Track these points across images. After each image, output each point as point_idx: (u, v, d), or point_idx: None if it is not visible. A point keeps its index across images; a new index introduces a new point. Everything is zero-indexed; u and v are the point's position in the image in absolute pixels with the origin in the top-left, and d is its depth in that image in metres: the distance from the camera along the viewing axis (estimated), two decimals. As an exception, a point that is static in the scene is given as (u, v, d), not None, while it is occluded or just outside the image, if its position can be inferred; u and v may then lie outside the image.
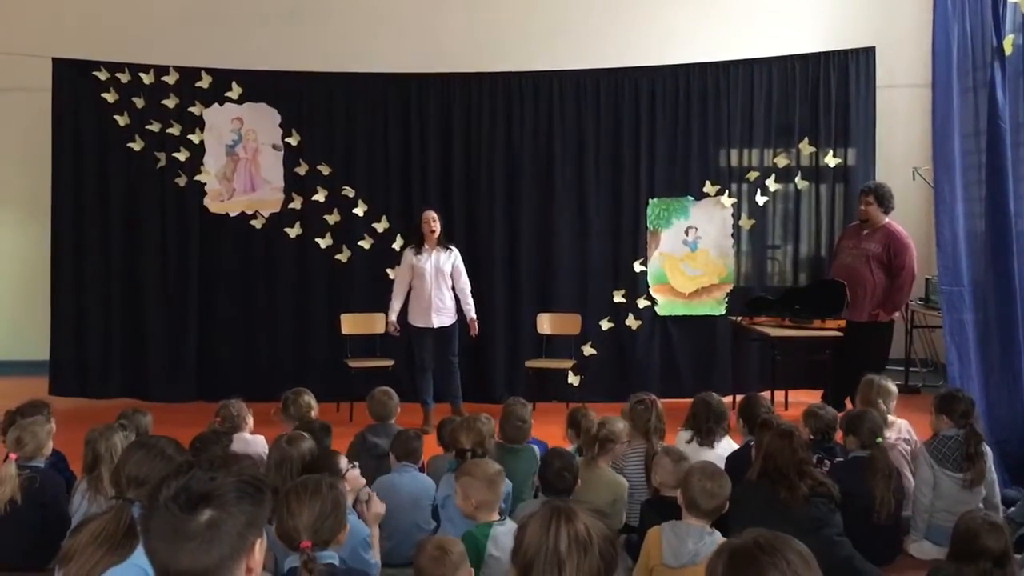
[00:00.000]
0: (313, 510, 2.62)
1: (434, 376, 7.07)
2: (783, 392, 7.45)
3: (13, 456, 3.93)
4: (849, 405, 6.16)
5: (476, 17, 8.79)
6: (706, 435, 4.57)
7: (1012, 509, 4.43)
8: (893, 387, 4.96)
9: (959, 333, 5.25)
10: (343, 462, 3.58)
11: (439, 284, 6.95)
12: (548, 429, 5.38)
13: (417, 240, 7.03)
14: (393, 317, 7.04)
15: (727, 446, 4.57)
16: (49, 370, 7.94)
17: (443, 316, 6.98)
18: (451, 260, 7.04)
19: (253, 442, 4.72)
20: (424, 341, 7.01)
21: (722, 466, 3.85)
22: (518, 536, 1.93)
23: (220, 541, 1.54)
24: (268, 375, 7.65)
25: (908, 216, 7.44)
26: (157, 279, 8.07)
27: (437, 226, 6.94)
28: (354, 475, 3.55)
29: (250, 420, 4.84)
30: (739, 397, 6.15)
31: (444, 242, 7.04)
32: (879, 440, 4.20)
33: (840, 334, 6.85)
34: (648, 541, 3.26)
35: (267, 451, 4.58)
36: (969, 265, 5.31)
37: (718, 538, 3.18)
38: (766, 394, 6.54)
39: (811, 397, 6.96)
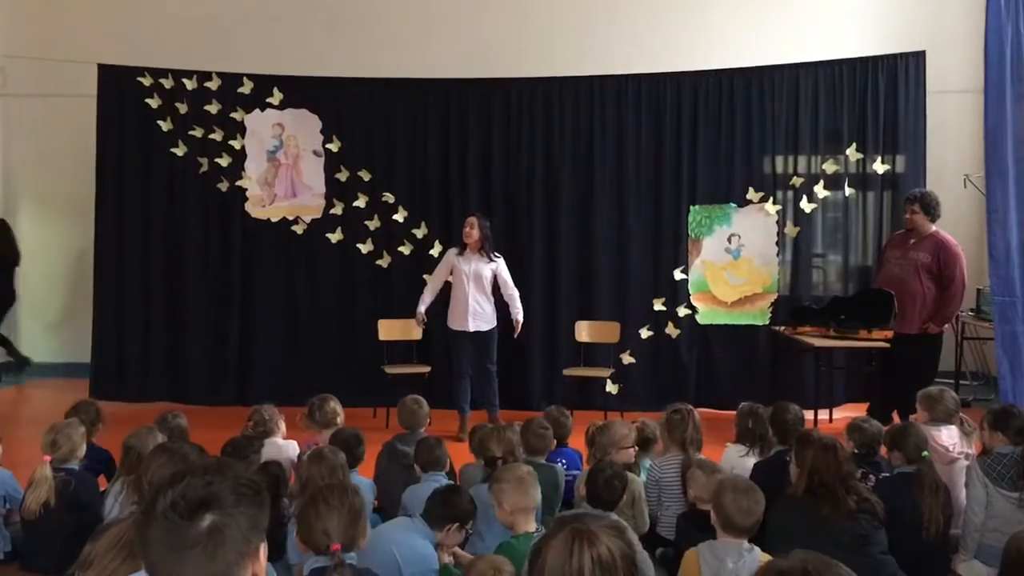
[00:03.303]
0: (343, 515, 2.68)
1: (472, 383, 7.03)
2: (827, 405, 7.28)
3: (47, 458, 3.95)
4: (896, 419, 6.00)
5: (517, 23, 8.73)
6: (766, 447, 4.45)
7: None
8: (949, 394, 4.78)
9: (1011, 345, 5.10)
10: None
11: (476, 289, 6.92)
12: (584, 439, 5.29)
13: (462, 243, 7.03)
14: (422, 308, 7.08)
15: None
16: (90, 372, 8.04)
17: (480, 321, 6.94)
18: (491, 268, 7.00)
19: (285, 447, 4.71)
20: (462, 346, 6.98)
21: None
22: (534, 561, 1.80)
23: (224, 546, 1.49)
24: (307, 380, 7.64)
25: (959, 225, 7.24)
26: (199, 283, 8.15)
27: (472, 232, 6.92)
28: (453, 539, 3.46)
29: (282, 425, 4.82)
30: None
31: (490, 250, 7.01)
32: (925, 454, 4.06)
33: (886, 345, 6.66)
34: (686, 564, 3.15)
35: (297, 456, 4.59)
36: (1022, 275, 5.14)
37: (758, 555, 3.08)
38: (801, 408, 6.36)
39: (856, 410, 6.78)
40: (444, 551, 3.42)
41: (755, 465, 4.27)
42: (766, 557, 3.07)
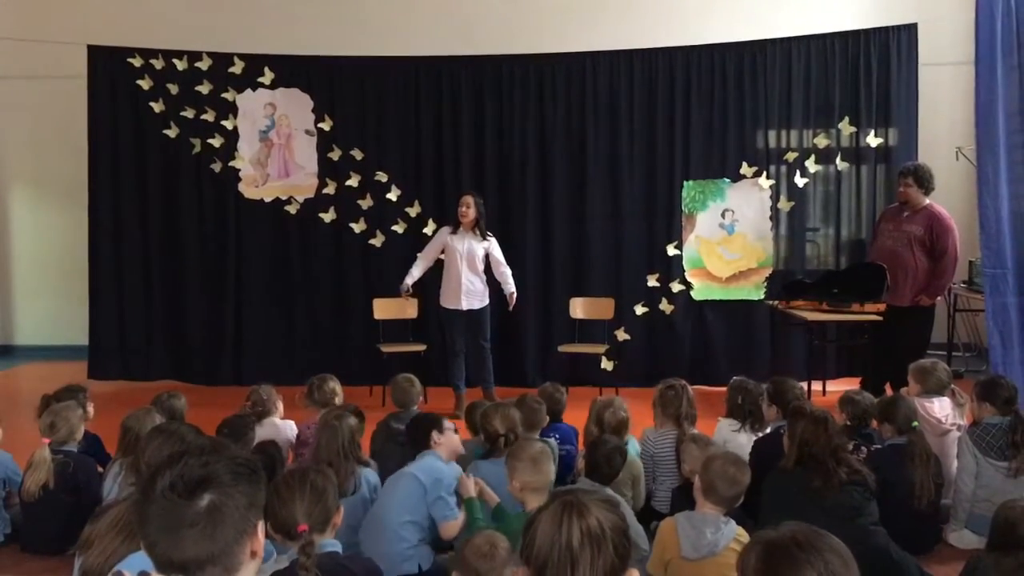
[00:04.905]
0: (305, 496, 2.66)
1: (466, 361, 7.06)
2: (820, 378, 7.33)
3: (46, 441, 3.98)
4: (890, 391, 6.04)
5: (508, -1, 8.70)
6: (758, 422, 4.48)
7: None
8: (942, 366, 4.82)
9: (1002, 317, 5.14)
10: (447, 423, 3.85)
11: (469, 267, 6.93)
12: (580, 414, 5.31)
13: (456, 221, 7.03)
14: (409, 281, 7.08)
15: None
16: (88, 354, 8.05)
17: (472, 299, 6.96)
18: (484, 246, 7.00)
19: (283, 427, 4.74)
20: (455, 324, 7.01)
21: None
22: (527, 533, 1.83)
23: (223, 525, 1.52)
24: (304, 359, 7.69)
25: (951, 197, 7.24)
26: (193, 264, 8.15)
27: (469, 211, 6.91)
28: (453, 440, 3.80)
29: (280, 405, 4.85)
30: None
31: (483, 229, 7.01)
32: (915, 425, 4.10)
33: (879, 318, 6.70)
34: (662, 533, 3.18)
35: (295, 436, 4.63)
36: (1013, 247, 5.20)
37: (734, 527, 3.11)
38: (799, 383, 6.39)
39: (849, 383, 6.82)
40: (467, 486, 3.64)
41: (755, 442, 4.30)
42: (741, 530, 3.11)
